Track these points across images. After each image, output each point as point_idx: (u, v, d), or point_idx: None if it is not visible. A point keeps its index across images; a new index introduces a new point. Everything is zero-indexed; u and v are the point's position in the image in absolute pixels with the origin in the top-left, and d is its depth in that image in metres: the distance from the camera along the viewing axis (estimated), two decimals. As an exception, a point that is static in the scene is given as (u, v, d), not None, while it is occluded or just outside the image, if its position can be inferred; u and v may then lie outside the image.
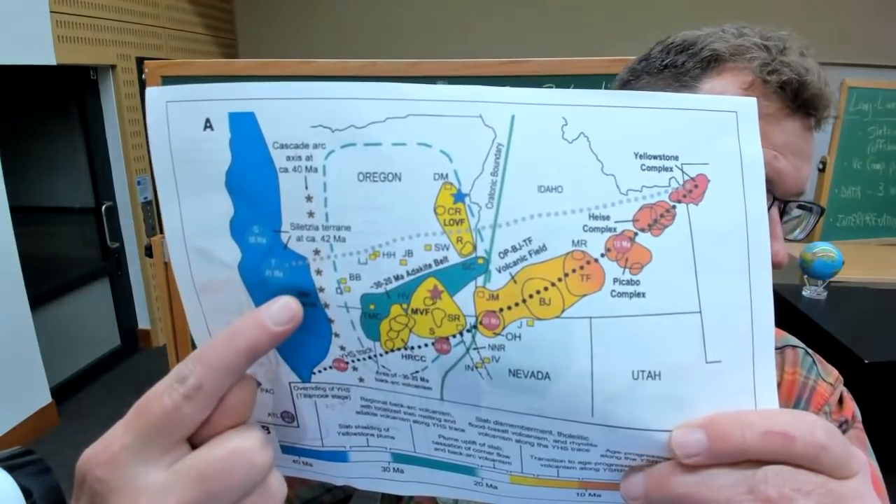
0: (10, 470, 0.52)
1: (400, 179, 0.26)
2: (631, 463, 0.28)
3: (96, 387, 3.50)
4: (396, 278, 0.27)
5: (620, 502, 0.28)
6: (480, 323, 0.27)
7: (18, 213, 2.87)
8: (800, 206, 0.49)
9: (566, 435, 0.28)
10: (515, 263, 0.26)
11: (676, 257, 0.26)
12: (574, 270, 0.26)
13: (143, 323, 3.99)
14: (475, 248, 0.26)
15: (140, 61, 3.61)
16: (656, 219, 0.26)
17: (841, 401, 0.58)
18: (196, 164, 0.28)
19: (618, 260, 0.26)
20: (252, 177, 0.27)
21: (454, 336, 0.27)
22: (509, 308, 0.26)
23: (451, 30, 4.47)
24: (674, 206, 0.26)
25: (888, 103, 3.36)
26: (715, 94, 0.47)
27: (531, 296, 0.26)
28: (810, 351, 0.61)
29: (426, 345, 0.27)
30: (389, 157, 0.26)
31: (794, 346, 0.60)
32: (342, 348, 0.28)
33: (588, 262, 0.26)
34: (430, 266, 0.26)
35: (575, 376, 0.26)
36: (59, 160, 3.67)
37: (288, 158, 0.26)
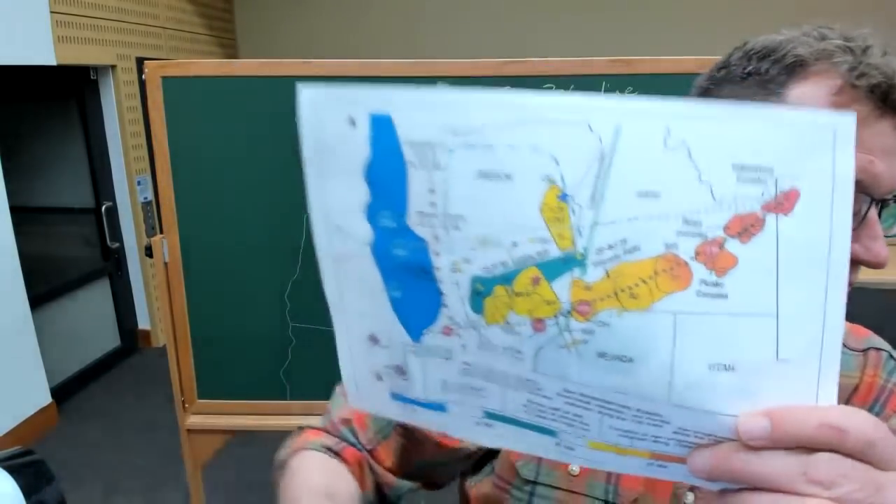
0: (10, 470, 0.52)
1: (511, 179, 0.29)
2: (699, 441, 0.31)
3: (96, 387, 3.50)
4: (502, 265, 0.30)
5: (685, 474, 0.32)
6: (574, 309, 0.30)
7: (18, 213, 2.87)
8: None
9: (643, 412, 0.31)
10: (610, 260, 0.29)
11: (761, 264, 0.28)
12: (664, 270, 0.28)
13: (143, 323, 3.99)
14: (574, 244, 0.29)
15: (140, 61, 3.62)
16: (746, 227, 0.28)
17: None
18: (341, 154, 0.33)
19: (705, 263, 0.28)
20: (386, 170, 0.31)
21: (549, 318, 0.30)
22: (601, 299, 0.29)
23: (452, 30, 4.48)
24: (764, 217, 0.28)
25: (888, 103, 3.36)
26: (803, 99, 0.47)
27: (622, 290, 0.29)
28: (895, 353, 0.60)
29: (524, 323, 0.31)
30: (503, 158, 0.29)
31: (879, 349, 0.60)
32: (450, 318, 0.33)
33: (678, 264, 0.28)
34: (532, 257, 0.30)
35: (656, 363, 0.29)
36: (59, 160, 3.68)
37: (416, 155, 0.31)
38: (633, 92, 1.39)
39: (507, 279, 0.31)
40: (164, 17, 3.95)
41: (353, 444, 0.62)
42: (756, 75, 0.50)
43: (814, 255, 0.28)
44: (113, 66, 3.51)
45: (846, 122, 0.26)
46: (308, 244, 1.55)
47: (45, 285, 3.21)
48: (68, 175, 3.68)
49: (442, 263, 0.32)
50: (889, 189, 0.47)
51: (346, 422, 0.63)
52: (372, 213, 0.32)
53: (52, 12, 2.98)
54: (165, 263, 1.57)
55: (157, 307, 3.88)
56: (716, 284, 0.28)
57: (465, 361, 0.34)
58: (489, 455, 0.64)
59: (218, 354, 1.63)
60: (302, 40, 4.63)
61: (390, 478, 0.62)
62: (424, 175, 0.31)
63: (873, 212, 0.47)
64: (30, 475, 0.53)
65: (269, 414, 1.67)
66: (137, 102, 3.66)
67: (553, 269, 0.30)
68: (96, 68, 3.48)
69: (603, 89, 1.41)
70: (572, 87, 1.43)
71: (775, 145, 0.27)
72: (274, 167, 1.50)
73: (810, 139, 0.27)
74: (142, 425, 3.06)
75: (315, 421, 0.67)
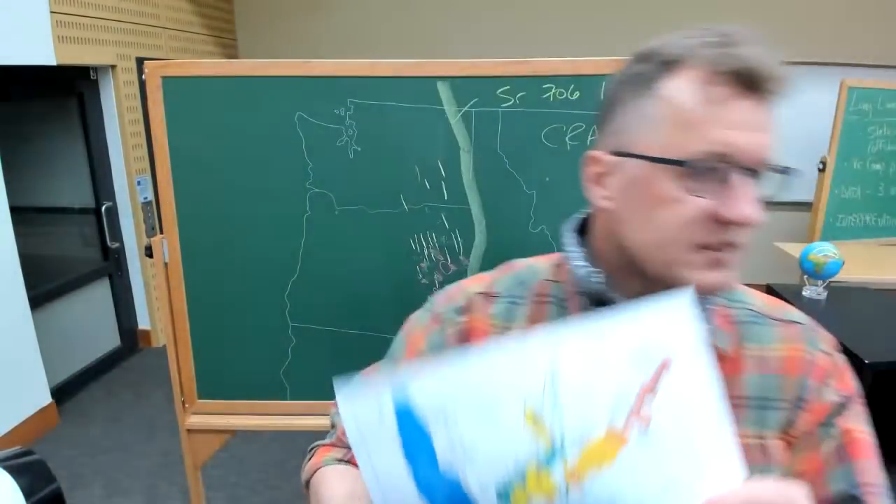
0: (10, 470, 0.52)
1: (500, 415, 0.44)
2: None
3: (96, 387, 3.50)
4: (514, 473, 0.45)
5: None
6: (569, 484, 0.44)
7: (18, 213, 2.87)
8: (772, 171, 0.55)
9: None
10: (580, 444, 0.43)
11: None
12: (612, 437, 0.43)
13: (143, 323, 3.99)
14: (553, 442, 0.44)
15: (140, 61, 3.62)
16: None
17: (841, 375, 0.62)
18: (379, 439, 0.46)
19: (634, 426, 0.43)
20: (416, 444, 0.45)
21: (556, 493, 0.45)
22: (583, 469, 0.43)
23: (453, 30, 4.47)
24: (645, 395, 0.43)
25: (888, 103, 3.36)
26: (676, 91, 0.54)
27: (592, 458, 0.43)
28: (809, 322, 0.65)
29: (540, 499, 0.45)
30: (492, 404, 0.45)
31: (797, 322, 0.64)
32: None
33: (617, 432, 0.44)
34: (530, 459, 0.44)
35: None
36: (59, 160, 3.67)
37: (433, 416, 0.45)
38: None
39: (521, 480, 0.45)
40: (164, 17, 3.95)
41: None
42: (638, 76, 0.56)
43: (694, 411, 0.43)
44: (113, 66, 3.51)
45: (682, 298, 0.43)
46: (308, 244, 1.55)
47: (45, 285, 3.21)
48: (68, 175, 3.68)
49: (472, 486, 0.46)
50: (754, 159, 0.53)
51: None
52: (417, 477, 0.47)
53: (52, 12, 2.98)
54: (165, 263, 1.57)
55: (157, 307, 3.88)
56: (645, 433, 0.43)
57: None
58: None
59: (218, 354, 1.63)
60: (302, 40, 4.62)
61: None
62: (444, 432, 0.45)
63: (736, 177, 0.53)
64: (30, 475, 0.53)
65: (269, 414, 1.66)
66: (137, 102, 3.66)
67: (546, 462, 0.44)
68: (96, 68, 3.48)
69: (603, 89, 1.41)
70: (572, 86, 1.43)
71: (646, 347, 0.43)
72: (274, 167, 1.50)
73: (663, 329, 0.43)
74: (142, 425, 3.06)
75: (313, 421, 0.72)
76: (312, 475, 0.71)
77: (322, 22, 4.60)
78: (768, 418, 0.60)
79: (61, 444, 2.88)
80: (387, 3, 4.56)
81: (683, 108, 0.53)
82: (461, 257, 1.55)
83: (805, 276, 2.42)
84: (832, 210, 3.39)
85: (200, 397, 1.66)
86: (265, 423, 1.66)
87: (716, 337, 0.61)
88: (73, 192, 3.70)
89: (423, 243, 1.55)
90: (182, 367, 1.64)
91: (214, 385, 1.66)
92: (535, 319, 0.65)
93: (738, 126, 0.52)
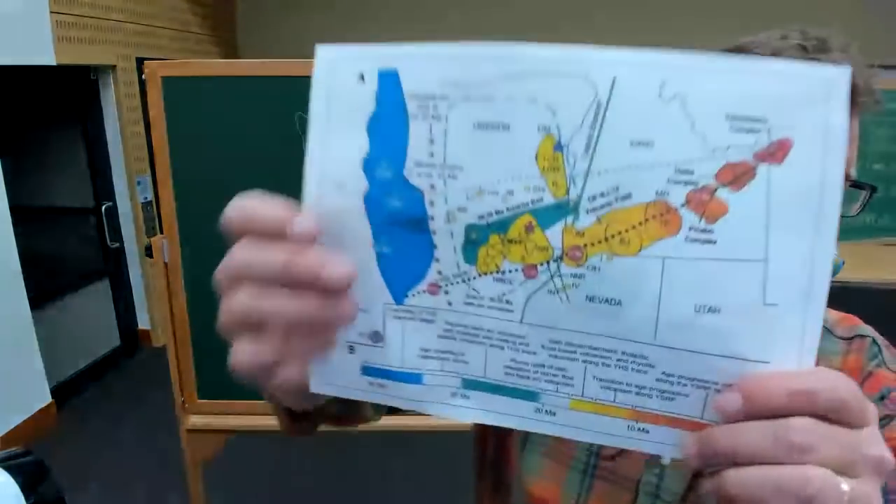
0: (10, 470, 0.52)
1: (508, 129, 0.30)
2: (682, 390, 0.32)
3: (96, 387, 3.50)
4: (497, 213, 0.31)
5: (666, 443, 0.32)
6: (566, 255, 0.31)
7: (18, 213, 2.87)
8: (853, 185, 0.52)
9: (629, 354, 0.32)
10: (602, 207, 0.30)
11: (751, 212, 0.28)
12: (654, 217, 0.29)
13: (143, 323, 3.99)
14: (568, 192, 0.30)
15: (140, 61, 3.61)
16: (738, 176, 0.28)
17: None
18: (347, 109, 0.33)
19: (696, 210, 0.29)
20: (388, 123, 0.32)
21: (542, 264, 0.31)
22: (592, 244, 0.30)
23: (454, 31, 4.48)
24: (755, 166, 0.28)
25: (888, 103, 3.35)
26: None
27: (613, 236, 0.30)
28: (880, 339, 0.64)
29: (516, 269, 0.32)
30: (501, 109, 0.30)
31: (864, 336, 0.64)
32: (439, 272, 0.33)
33: (668, 211, 0.29)
34: (527, 204, 0.31)
35: (643, 305, 0.30)
36: (59, 160, 3.68)
37: (419, 107, 0.31)
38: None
39: (501, 227, 0.31)
40: (164, 17, 3.95)
41: None
42: None
43: (804, 204, 0.28)
44: (113, 66, 3.51)
45: (841, 76, 0.27)
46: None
47: (45, 285, 3.21)
48: (68, 175, 3.68)
49: (437, 213, 0.32)
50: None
51: None
52: (369, 165, 0.33)
53: (52, 12, 2.98)
54: (165, 263, 1.57)
55: (156, 307, 3.88)
56: (705, 231, 0.29)
57: (449, 322, 0.34)
58: None
59: (218, 354, 1.62)
60: (302, 40, 4.62)
61: None
62: (425, 126, 0.31)
63: None
64: (29, 475, 0.53)
65: (269, 414, 1.66)
66: (137, 102, 3.66)
67: (547, 216, 0.31)
68: (96, 68, 3.48)
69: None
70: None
71: (770, 97, 0.28)
72: (273, 167, 1.49)
73: (805, 91, 0.27)
74: (142, 425, 3.06)
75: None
76: None
77: (322, 22, 4.60)
78: None
79: (61, 444, 2.88)
80: (387, 4, 4.56)
81: None
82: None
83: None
84: (832, 210, 3.39)
85: (200, 397, 1.66)
86: (265, 423, 1.66)
87: None
88: (73, 192, 3.70)
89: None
90: (182, 367, 1.64)
91: (214, 385, 1.66)
92: None
93: None
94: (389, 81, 0.31)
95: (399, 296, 0.34)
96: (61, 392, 3.23)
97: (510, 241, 0.31)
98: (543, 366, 0.34)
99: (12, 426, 2.81)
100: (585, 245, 0.30)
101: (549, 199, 0.30)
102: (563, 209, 0.30)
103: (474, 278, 0.33)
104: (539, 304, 0.32)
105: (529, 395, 0.35)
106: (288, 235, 0.32)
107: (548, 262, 0.31)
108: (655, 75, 0.28)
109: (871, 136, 3.39)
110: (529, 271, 0.32)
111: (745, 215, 0.28)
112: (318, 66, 0.33)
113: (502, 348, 0.34)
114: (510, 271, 0.32)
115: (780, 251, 0.29)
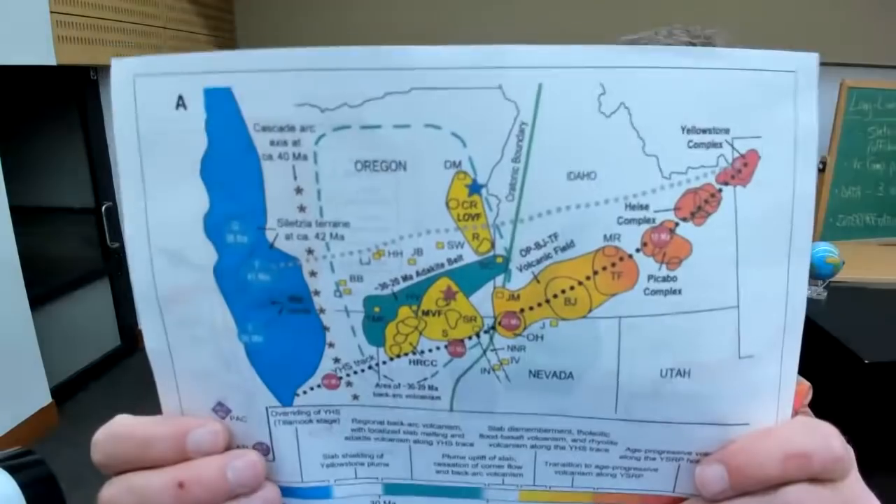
0: (10, 470, 0.52)
1: (405, 168, 0.23)
2: (650, 465, 0.27)
3: (96, 387, 3.50)
4: (405, 279, 0.24)
5: None
6: (499, 324, 0.25)
7: (18, 213, 2.87)
8: None
9: (586, 433, 0.26)
10: (539, 262, 0.24)
11: (718, 248, 0.24)
12: (605, 268, 0.24)
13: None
14: (493, 245, 0.24)
15: (140, 61, 3.61)
16: (700, 205, 0.23)
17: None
18: (167, 150, 0.24)
19: (654, 255, 0.23)
20: (231, 165, 0.23)
21: (470, 338, 0.25)
22: (531, 308, 0.24)
23: (456, 29, 4.48)
24: (720, 190, 0.23)
25: (888, 103, 3.36)
26: None
27: (555, 296, 0.24)
28: None
29: (438, 347, 0.25)
30: (391, 141, 0.22)
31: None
32: (336, 360, 0.26)
33: (621, 259, 0.23)
34: (442, 265, 0.24)
35: (599, 375, 0.25)
36: (59, 160, 3.67)
37: (272, 143, 0.23)
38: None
39: (412, 296, 0.24)
40: (164, 17, 3.95)
41: None
42: None
43: (776, 228, 0.24)
44: (113, 66, 3.51)
45: (808, 61, 0.23)
46: (308, 244, 1.55)
47: (45, 285, 3.21)
48: (68, 175, 3.67)
49: (322, 286, 0.24)
50: None
51: None
52: (214, 227, 0.24)
53: (52, 12, 2.98)
54: (165, 263, 1.57)
55: (157, 307, 3.88)
56: (667, 279, 0.24)
57: (357, 419, 0.27)
58: None
59: (218, 354, 1.63)
60: (302, 40, 4.62)
61: None
62: (286, 169, 0.23)
63: None
64: (30, 475, 0.53)
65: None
66: (137, 102, 3.65)
67: (470, 277, 0.24)
68: (96, 68, 3.48)
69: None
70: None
71: (731, 97, 0.23)
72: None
73: (770, 85, 0.23)
74: (142, 425, 3.06)
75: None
76: None
77: (322, 23, 4.60)
78: None
79: (61, 444, 2.88)
80: (387, 4, 4.56)
81: None
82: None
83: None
84: (832, 210, 3.39)
85: (200, 397, 1.66)
86: (265, 423, 1.65)
87: None
88: (73, 192, 3.70)
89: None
90: (182, 367, 1.63)
91: (214, 385, 1.66)
92: None
93: None
94: (221, 105, 0.23)
95: (285, 395, 0.27)
96: (61, 392, 3.23)
97: (426, 314, 0.25)
98: (484, 457, 0.28)
99: (12, 426, 2.81)
100: (522, 310, 0.24)
101: (469, 256, 0.24)
102: (489, 268, 0.24)
103: (384, 363, 0.26)
104: (471, 386, 0.26)
105: (469, 493, 0.29)
106: (188, 453, 0.26)
107: (477, 335, 0.25)
108: (591, 80, 0.22)
109: (871, 136, 3.39)
110: (455, 348, 0.25)
111: (712, 255, 0.23)
112: (116, 88, 0.25)
113: (430, 443, 0.28)
114: (430, 350, 0.25)
115: (752, 291, 0.24)
